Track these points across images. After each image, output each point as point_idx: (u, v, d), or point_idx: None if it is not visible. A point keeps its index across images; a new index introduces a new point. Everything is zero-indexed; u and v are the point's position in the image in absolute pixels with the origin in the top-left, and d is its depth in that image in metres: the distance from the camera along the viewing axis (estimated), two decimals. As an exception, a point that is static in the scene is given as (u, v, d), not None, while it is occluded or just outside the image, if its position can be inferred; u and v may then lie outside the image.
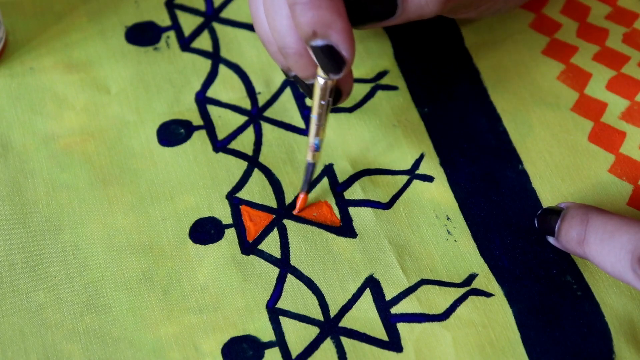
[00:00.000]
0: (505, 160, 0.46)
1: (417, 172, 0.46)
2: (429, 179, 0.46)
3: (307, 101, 0.48)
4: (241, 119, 0.48)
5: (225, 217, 0.44)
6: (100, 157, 0.46)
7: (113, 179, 0.45)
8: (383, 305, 0.42)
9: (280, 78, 0.49)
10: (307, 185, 0.44)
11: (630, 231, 0.39)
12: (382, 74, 0.49)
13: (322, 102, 0.41)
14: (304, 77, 0.42)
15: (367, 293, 0.42)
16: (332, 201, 0.45)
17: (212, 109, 0.48)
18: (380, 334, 0.41)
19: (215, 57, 0.50)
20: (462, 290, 0.42)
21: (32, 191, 0.45)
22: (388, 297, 0.42)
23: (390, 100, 0.49)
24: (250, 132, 0.47)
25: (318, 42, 0.38)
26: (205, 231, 0.44)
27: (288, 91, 0.49)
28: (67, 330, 0.41)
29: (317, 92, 0.41)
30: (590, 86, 0.49)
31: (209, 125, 0.47)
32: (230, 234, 0.44)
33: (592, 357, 0.41)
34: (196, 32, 0.51)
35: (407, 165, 0.46)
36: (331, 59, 0.38)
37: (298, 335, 0.41)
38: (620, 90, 0.49)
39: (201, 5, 0.52)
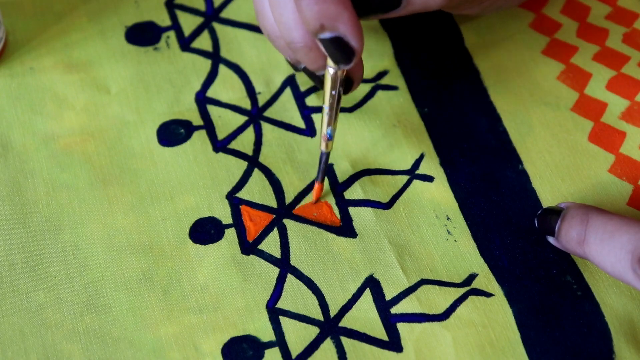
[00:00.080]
0: (505, 160, 0.46)
1: (417, 172, 0.46)
2: (429, 179, 0.46)
3: (307, 101, 0.48)
4: (241, 119, 0.48)
5: (225, 217, 0.44)
6: (100, 157, 0.46)
7: (113, 179, 0.45)
8: (383, 305, 0.42)
9: (280, 78, 0.49)
10: (322, 175, 0.44)
11: (630, 231, 0.39)
12: (382, 74, 0.49)
13: (333, 93, 0.41)
14: (314, 69, 0.42)
15: (367, 293, 0.42)
16: (332, 201, 0.45)
17: (212, 109, 0.48)
18: (380, 334, 0.41)
19: (215, 57, 0.50)
20: (462, 290, 0.42)
21: (32, 191, 0.45)
22: (388, 297, 0.42)
23: (390, 100, 0.49)
24: (250, 132, 0.47)
25: (326, 35, 0.38)
26: (205, 231, 0.44)
27: (288, 91, 0.49)
28: (67, 330, 0.41)
29: (327, 83, 0.41)
30: (590, 86, 0.49)
31: (209, 125, 0.47)
32: (230, 234, 0.44)
33: (592, 357, 0.41)
34: (196, 32, 0.51)
35: (407, 165, 0.46)
36: (341, 50, 0.38)
37: (298, 335, 0.41)
38: (620, 90, 0.49)
39: (201, 5, 0.52)
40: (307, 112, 0.48)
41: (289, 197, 0.45)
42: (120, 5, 0.51)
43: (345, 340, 0.41)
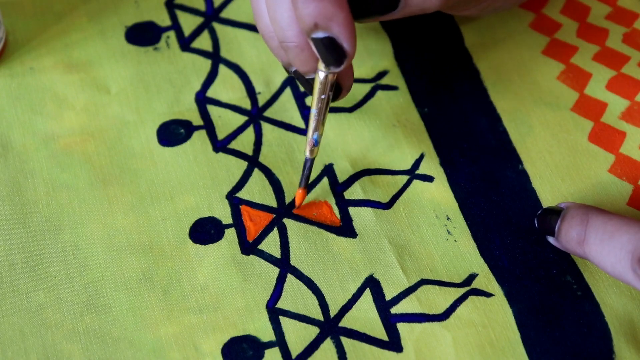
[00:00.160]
0: (505, 160, 0.46)
1: (417, 172, 0.46)
2: (429, 179, 0.46)
3: (307, 101, 0.48)
4: (241, 119, 0.48)
5: (225, 217, 0.44)
6: (100, 157, 0.46)
7: (113, 179, 0.45)
8: (383, 305, 0.42)
9: (280, 78, 0.49)
10: (305, 181, 0.44)
11: (630, 231, 0.39)
12: (382, 74, 0.49)
13: (322, 97, 0.41)
14: (304, 71, 0.41)
15: (367, 293, 0.42)
16: (332, 201, 0.45)
17: (212, 109, 0.48)
18: (380, 334, 0.41)
19: (215, 57, 0.50)
20: (462, 290, 0.42)
21: (32, 191, 0.45)
22: (388, 297, 0.42)
23: (390, 100, 0.49)
24: (250, 132, 0.47)
25: (319, 34, 0.38)
26: (205, 231, 0.44)
27: (288, 91, 0.49)
28: (67, 330, 0.41)
29: (317, 86, 0.41)
30: (590, 86, 0.49)
31: (209, 125, 0.47)
32: (230, 234, 0.44)
33: (592, 357, 0.41)
34: (196, 32, 0.51)
35: (407, 165, 0.46)
36: (332, 51, 0.38)
37: (298, 335, 0.41)
38: (620, 90, 0.49)
39: (201, 5, 0.52)
40: (307, 112, 0.48)
41: (289, 197, 0.45)
42: (120, 5, 0.51)
43: (345, 340, 0.41)
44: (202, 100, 0.48)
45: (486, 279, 0.43)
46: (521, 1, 0.49)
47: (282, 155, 0.47)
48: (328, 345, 0.41)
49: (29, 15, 0.51)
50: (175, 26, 0.51)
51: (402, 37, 0.51)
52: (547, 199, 0.45)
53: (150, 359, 0.40)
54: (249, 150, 0.47)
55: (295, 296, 0.42)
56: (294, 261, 0.43)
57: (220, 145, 0.47)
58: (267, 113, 0.48)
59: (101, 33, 0.50)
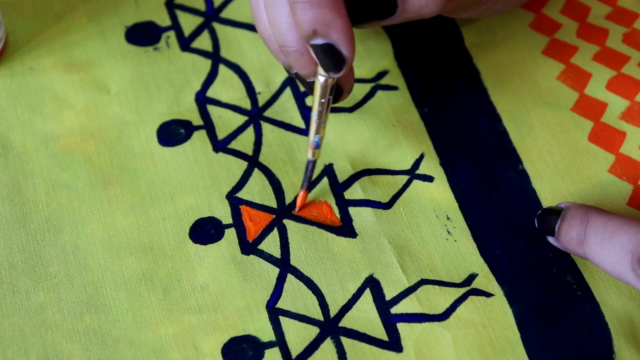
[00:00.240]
0: (505, 160, 0.46)
1: (417, 172, 0.46)
2: (429, 179, 0.46)
3: (307, 101, 0.48)
4: (241, 119, 0.48)
5: (225, 217, 0.44)
6: (100, 157, 0.46)
7: (113, 179, 0.45)
8: (383, 305, 0.42)
9: (280, 78, 0.49)
10: (307, 183, 0.44)
11: (630, 231, 0.39)
12: (382, 74, 0.49)
13: (322, 100, 0.41)
14: (304, 75, 0.42)
15: (367, 293, 0.42)
16: (332, 201, 0.45)
17: (212, 109, 0.48)
18: (380, 334, 0.41)
19: (215, 57, 0.50)
20: (462, 290, 0.42)
21: (32, 191, 0.45)
22: (388, 297, 0.42)
23: (390, 100, 0.49)
24: (250, 132, 0.47)
25: (318, 41, 0.38)
26: (205, 231, 0.44)
27: (288, 91, 0.49)
28: (67, 330, 0.41)
29: (317, 91, 0.41)
30: (590, 86, 0.49)
31: (209, 125, 0.47)
32: (230, 234, 0.44)
33: (592, 357, 0.41)
34: (196, 32, 0.51)
35: (407, 165, 0.46)
36: (331, 57, 0.38)
37: (298, 335, 0.41)
38: (620, 90, 0.49)
39: (201, 5, 0.52)
40: (307, 112, 0.48)
41: (289, 197, 0.45)
42: (120, 5, 0.51)
43: (345, 340, 0.41)
44: (202, 100, 0.48)
45: (486, 279, 0.43)
46: (519, 3, 0.49)
47: (282, 155, 0.47)
48: (328, 345, 0.41)
49: (29, 15, 0.51)
50: (175, 26, 0.51)
51: (402, 37, 0.51)
52: (547, 199, 0.45)
53: (150, 359, 0.40)
54: (249, 150, 0.47)
55: (295, 296, 0.42)
56: (294, 261, 0.43)
57: (220, 145, 0.47)
58: (267, 113, 0.48)
59: (101, 33, 0.50)
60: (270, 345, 0.41)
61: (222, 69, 0.49)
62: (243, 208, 0.45)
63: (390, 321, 0.41)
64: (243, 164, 0.46)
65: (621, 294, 0.42)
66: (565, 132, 0.47)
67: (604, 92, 0.49)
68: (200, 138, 0.47)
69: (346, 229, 0.44)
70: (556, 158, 0.46)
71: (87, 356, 0.40)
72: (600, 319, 0.42)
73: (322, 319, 0.42)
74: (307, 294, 0.42)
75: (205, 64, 0.50)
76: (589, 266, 0.43)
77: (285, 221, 0.44)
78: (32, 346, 0.40)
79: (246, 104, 0.48)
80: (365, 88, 0.49)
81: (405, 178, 0.46)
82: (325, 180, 0.46)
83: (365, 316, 0.42)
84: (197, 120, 0.48)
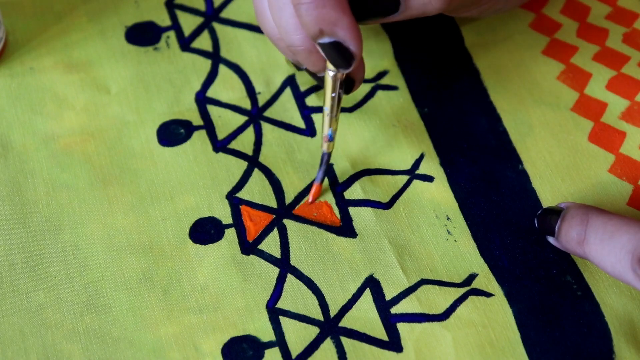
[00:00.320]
0: (505, 160, 0.46)
1: (417, 172, 0.46)
2: (429, 179, 0.46)
3: (307, 101, 0.48)
4: (241, 119, 0.48)
5: (225, 217, 0.44)
6: (100, 157, 0.46)
7: (113, 179, 0.45)
8: (383, 305, 0.42)
9: (280, 78, 0.49)
10: (322, 175, 0.44)
11: (630, 231, 0.39)
12: (382, 74, 0.49)
13: (333, 95, 0.41)
14: (315, 71, 0.42)
15: (367, 293, 0.42)
16: (332, 201, 0.45)
17: (212, 109, 0.48)
18: (380, 334, 0.41)
19: (215, 57, 0.50)
20: (462, 290, 0.42)
21: (32, 191, 0.45)
22: (388, 297, 0.42)
23: (390, 100, 0.49)
24: (250, 132, 0.47)
25: (325, 40, 0.38)
26: (205, 231, 0.44)
27: (288, 91, 0.49)
28: (67, 330, 0.41)
29: (328, 85, 0.41)
30: (590, 86, 0.49)
31: (209, 125, 0.47)
32: (230, 234, 0.44)
33: (592, 357, 0.41)
34: (196, 32, 0.51)
35: (407, 165, 0.46)
36: (340, 55, 0.39)
37: (298, 335, 0.41)
38: (620, 90, 0.49)
39: (201, 5, 0.52)
40: (307, 112, 0.48)
41: (289, 197, 0.45)
42: (120, 5, 0.51)
43: (345, 340, 0.41)
44: (202, 100, 0.48)
45: (486, 279, 0.43)
46: (520, 3, 0.49)
47: (282, 155, 0.47)
48: (328, 345, 0.41)
49: (29, 15, 0.51)
50: (175, 26, 0.51)
51: (402, 37, 0.51)
52: (547, 199, 0.45)
53: (150, 359, 0.40)
54: (249, 150, 0.47)
55: (295, 296, 0.42)
56: (294, 261, 0.43)
57: (220, 145, 0.47)
58: (267, 113, 0.48)
59: (101, 33, 0.50)
60: (270, 345, 0.41)
61: (222, 69, 0.49)
62: (243, 208, 0.45)
63: (390, 321, 0.41)
64: (243, 164, 0.46)
65: (621, 294, 0.42)
66: (565, 132, 0.47)
67: (604, 92, 0.49)
68: (200, 138, 0.47)
69: (346, 229, 0.44)
70: (556, 158, 0.46)
71: (87, 356, 0.40)
72: (600, 319, 0.42)
73: (322, 319, 0.42)
74: (307, 294, 0.42)
75: (205, 64, 0.50)
76: (589, 266, 0.43)
77: (285, 221, 0.44)
78: (32, 346, 0.40)
79: (246, 104, 0.48)
80: (365, 88, 0.49)
81: (405, 178, 0.46)
82: (325, 180, 0.46)
83: (365, 316, 0.42)
84: (197, 120, 0.48)
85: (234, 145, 0.47)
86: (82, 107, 0.48)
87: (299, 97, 0.48)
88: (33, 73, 0.49)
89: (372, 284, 0.42)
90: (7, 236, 0.43)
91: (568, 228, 0.41)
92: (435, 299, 0.42)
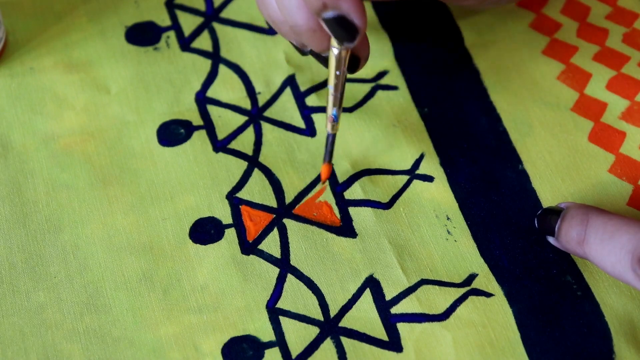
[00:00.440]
0: (505, 160, 0.46)
1: (417, 172, 0.46)
2: (429, 179, 0.46)
3: (307, 101, 0.48)
4: (241, 119, 0.48)
5: (225, 217, 0.44)
6: (100, 157, 0.46)
7: (113, 179, 0.45)
8: (383, 305, 0.42)
9: (280, 78, 0.49)
10: (329, 156, 0.44)
11: (630, 231, 0.39)
12: (382, 74, 0.49)
13: (337, 73, 0.41)
14: (319, 50, 0.42)
15: (367, 293, 0.42)
16: (332, 201, 0.45)
17: (212, 109, 0.48)
18: (380, 334, 0.41)
19: (215, 57, 0.50)
20: (462, 290, 0.42)
21: (32, 191, 0.45)
22: (388, 297, 0.42)
23: (390, 100, 0.49)
24: (250, 132, 0.47)
25: (329, 14, 0.38)
26: (205, 231, 0.44)
27: (288, 91, 0.49)
28: (67, 330, 0.41)
29: (332, 63, 0.41)
30: (590, 86, 0.49)
31: (209, 125, 0.47)
32: (230, 234, 0.44)
33: (592, 357, 0.41)
34: (196, 32, 0.51)
35: (407, 165, 0.46)
36: (344, 28, 0.39)
37: (298, 335, 0.41)
38: (620, 90, 0.49)
39: (201, 5, 0.52)
40: (307, 112, 0.48)
41: (289, 197, 0.45)
42: (120, 5, 0.51)
43: (345, 340, 0.41)
44: (202, 100, 0.48)
45: (486, 279, 0.43)
46: None
47: (282, 155, 0.47)
48: (328, 345, 0.41)
49: (29, 15, 0.51)
50: (175, 26, 0.51)
51: (402, 37, 0.51)
52: (547, 199, 0.45)
53: (150, 359, 0.40)
54: (249, 150, 0.47)
55: (295, 296, 0.42)
56: (294, 261, 0.43)
57: (220, 145, 0.47)
58: (267, 113, 0.48)
59: (101, 33, 0.50)
60: (270, 345, 0.41)
61: (222, 69, 0.49)
62: (243, 208, 0.45)
63: (390, 321, 0.41)
64: (243, 164, 0.46)
65: (621, 294, 0.42)
66: (565, 132, 0.47)
67: (604, 92, 0.49)
68: (200, 138, 0.47)
69: (346, 229, 0.44)
70: (556, 158, 0.46)
71: (87, 356, 0.40)
72: (600, 319, 0.42)
73: (322, 319, 0.42)
74: (307, 294, 0.42)
75: (205, 64, 0.50)
76: (589, 266, 0.43)
77: (285, 221, 0.44)
78: (32, 346, 0.40)
79: (246, 104, 0.48)
80: (365, 88, 0.49)
81: (405, 178, 0.46)
82: (325, 181, 0.46)
83: (365, 316, 0.42)
84: (197, 120, 0.48)
85: (234, 145, 0.47)
86: (82, 107, 0.48)
87: (299, 97, 0.48)
88: (33, 73, 0.49)
89: (372, 284, 0.42)
90: (7, 236, 0.43)
91: (568, 228, 0.41)
92: (435, 299, 0.42)
